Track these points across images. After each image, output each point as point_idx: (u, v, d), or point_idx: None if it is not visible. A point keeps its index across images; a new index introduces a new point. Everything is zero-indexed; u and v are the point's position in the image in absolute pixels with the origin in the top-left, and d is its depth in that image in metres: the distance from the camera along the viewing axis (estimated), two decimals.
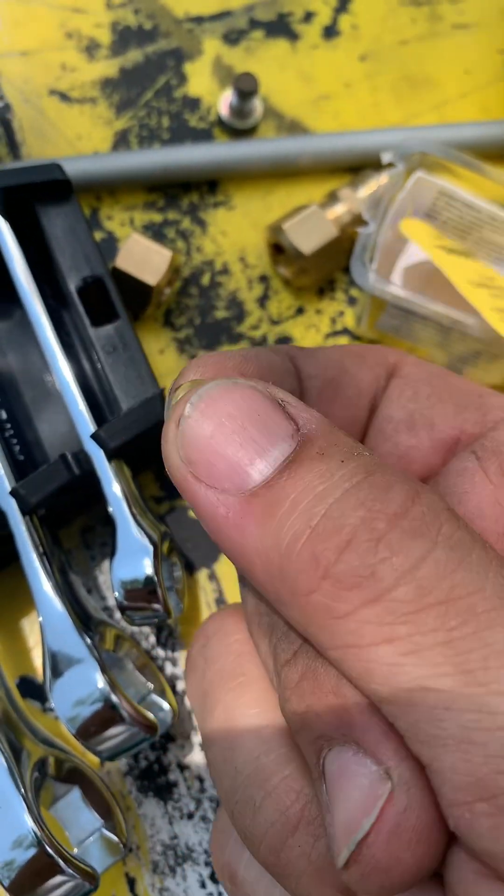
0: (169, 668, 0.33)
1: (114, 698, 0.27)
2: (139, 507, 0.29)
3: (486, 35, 0.42)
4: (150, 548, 0.28)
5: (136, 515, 0.29)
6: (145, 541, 0.28)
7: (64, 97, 0.39)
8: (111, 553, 0.29)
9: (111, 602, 0.33)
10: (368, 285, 0.32)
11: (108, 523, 0.34)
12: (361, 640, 0.14)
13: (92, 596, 0.34)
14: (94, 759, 0.32)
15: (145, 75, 0.39)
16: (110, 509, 0.29)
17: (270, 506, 0.15)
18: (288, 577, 0.14)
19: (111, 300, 0.31)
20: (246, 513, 0.15)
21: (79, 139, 0.38)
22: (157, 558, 0.28)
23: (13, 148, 0.38)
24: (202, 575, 0.34)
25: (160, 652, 0.33)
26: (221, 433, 0.15)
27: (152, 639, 0.33)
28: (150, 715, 0.28)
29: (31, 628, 0.33)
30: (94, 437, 0.29)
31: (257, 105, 0.39)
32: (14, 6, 0.39)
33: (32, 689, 0.32)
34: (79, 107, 0.39)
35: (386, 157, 0.33)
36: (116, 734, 0.27)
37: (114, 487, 0.29)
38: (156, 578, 0.28)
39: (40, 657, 0.32)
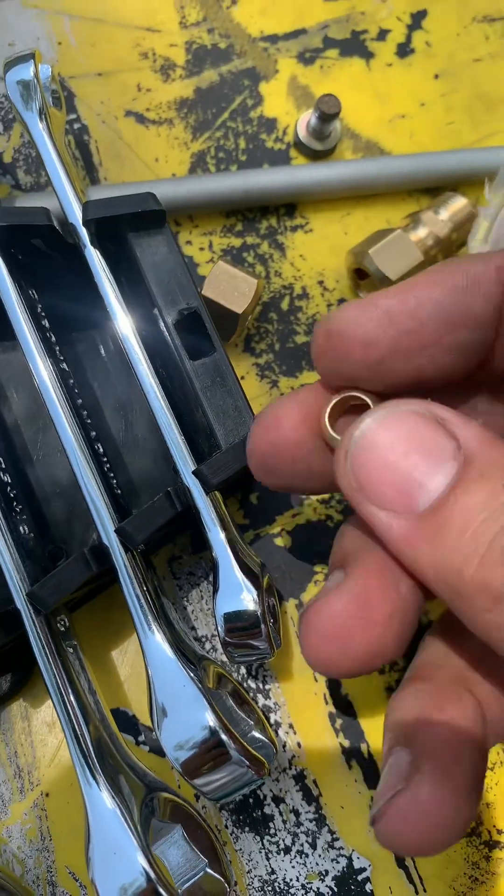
0: (261, 700, 0.32)
1: (223, 737, 0.27)
2: (239, 543, 0.29)
3: None
4: (253, 586, 0.28)
5: (238, 552, 0.29)
6: (248, 579, 0.28)
7: (140, 118, 0.38)
8: (213, 590, 0.29)
9: (200, 632, 0.33)
10: None
11: (196, 551, 0.34)
12: None
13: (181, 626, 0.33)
14: (190, 793, 0.31)
15: (221, 95, 0.39)
16: (213, 552, 0.28)
17: (439, 528, 0.16)
18: (463, 594, 0.16)
19: (207, 332, 0.30)
20: (417, 534, 0.17)
21: (156, 161, 0.38)
22: (261, 597, 0.28)
23: (90, 170, 0.37)
24: (290, 605, 0.34)
25: (251, 684, 0.33)
26: (387, 462, 0.17)
27: (243, 670, 0.33)
28: (259, 754, 0.28)
29: (121, 659, 0.33)
30: (196, 473, 0.29)
31: (337, 126, 0.38)
32: (89, 26, 0.39)
33: (125, 722, 0.32)
34: (155, 128, 0.38)
35: None
36: (226, 775, 0.27)
37: (215, 524, 0.29)
38: (260, 615, 0.28)
39: (131, 689, 0.32)
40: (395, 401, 0.18)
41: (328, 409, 0.20)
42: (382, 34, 0.41)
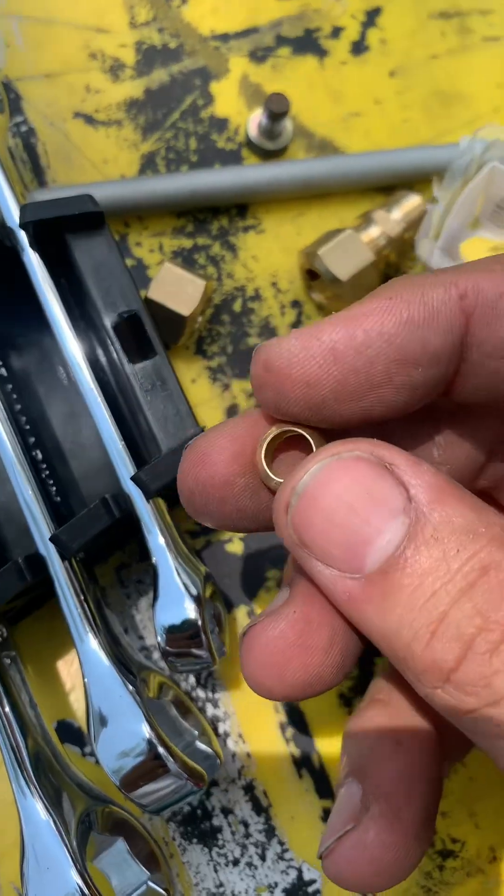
0: (210, 710, 0.32)
1: (160, 750, 0.26)
2: (181, 551, 0.29)
3: None
4: (194, 594, 0.28)
5: (179, 560, 0.28)
6: (189, 587, 0.28)
7: (89, 120, 0.38)
8: (153, 598, 0.28)
9: (149, 641, 0.33)
10: (433, 261, 0.32)
11: (144, 559, 0.34)
12: (478, 729, 0.14)
13: (128, 635, 0.33)
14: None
15: (171, 96, 0.38)
16: (153, 558, 0.28)
17: (388, 593, 0.15)
18: (411, 668, 0.15)
19: (148, 336, 0.30)
20: (364, 596, 0.15)
21: (105, 163, 0.37)
22: (202, 605, 0.28)
23: (38, 173, 0.37)
24: (241, 612, 0.33)
25: (200, 693, 0.32)
26: (332, 518, 0.15)
27: (192, 679, 0.32)
28: (197, 766, 0.27)
29: (67, 670, 0.32)
30: (134, 479, 0.28)
31: (287, 125, 0.38)
32: (36, 28, 0.38)
33: (70, 734, 0.32)
34: (104, 129, 0.38)
35: (464, 142, 0.32)
36: (163, 787, 0.27)
37: (155, 530, 0.28)
38: (200, 625, 0.27)
39: (78, 700, 0.32)
40: (338, 445, 0.16)
41: (264, 446, 0.18)
42: (336, 32, 0.40)
